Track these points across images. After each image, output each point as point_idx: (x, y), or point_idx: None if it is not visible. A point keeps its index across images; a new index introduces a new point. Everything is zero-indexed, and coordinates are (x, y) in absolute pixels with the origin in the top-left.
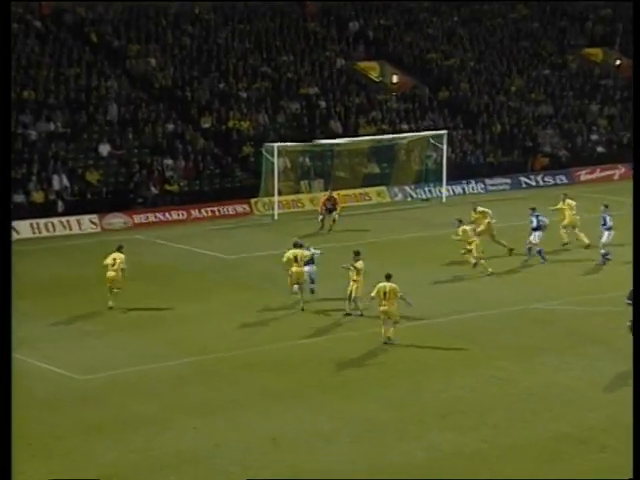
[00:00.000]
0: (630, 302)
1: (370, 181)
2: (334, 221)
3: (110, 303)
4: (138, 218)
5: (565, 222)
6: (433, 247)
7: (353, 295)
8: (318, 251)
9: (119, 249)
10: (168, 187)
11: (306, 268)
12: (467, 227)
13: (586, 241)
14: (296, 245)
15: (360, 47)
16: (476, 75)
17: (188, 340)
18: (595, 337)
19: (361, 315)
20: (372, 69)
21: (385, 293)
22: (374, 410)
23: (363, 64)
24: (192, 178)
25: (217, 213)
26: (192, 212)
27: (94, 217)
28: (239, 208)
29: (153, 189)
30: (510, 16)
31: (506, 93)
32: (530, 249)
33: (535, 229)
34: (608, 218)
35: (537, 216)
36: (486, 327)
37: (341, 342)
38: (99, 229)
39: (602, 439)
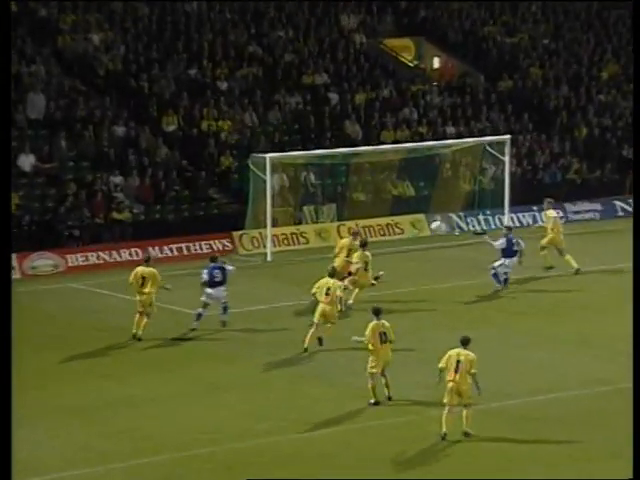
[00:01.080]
0: None
1: (402, 207)
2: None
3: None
4: (73, 259)
5: (544, 241)
6: (490, 300)
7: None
8: (232, 267)
9: (147, 261)
10: (116, 215)
11: (211, 290)
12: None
13: (574, 265)
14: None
15: (388, 18)
16: (552, 58)
17: (141, 432)
18: None
19: (376, 403)
20: (405, 49)
21: (459, 364)
22: None
23: (392, 42)
24: (150, 202)
25: (186, 252)
26: (150, 250)
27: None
28: (217, 244)
29: (95, 218)
30: None
31: (596, 83)
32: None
33: (506, 254)
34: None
35: (511, 239)
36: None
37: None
38: (18, 275)
39: None
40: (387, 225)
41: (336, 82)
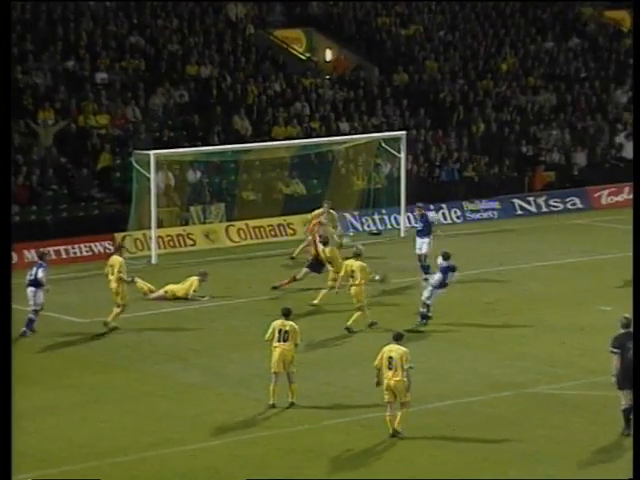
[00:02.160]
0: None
1: (294, 206)
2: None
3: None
4: None
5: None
6: (389, 303)
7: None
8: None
9: (118, 250)
10: None
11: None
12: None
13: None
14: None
15: (277, 8)
16: (448, 50)
17: (15, 447)
18: None
19: (272, 406)
20: (296, 40)
21: (391, 360)
22: None
23: (282, 33)
24: (25, 203)
25: (64, 255)
26: (25, 253)
27: None
28: (98, 247)
29: None
30: None
31: (493, 76)
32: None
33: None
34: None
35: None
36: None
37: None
38: None
39: None
40: (279, 225)
41: (223, 75)
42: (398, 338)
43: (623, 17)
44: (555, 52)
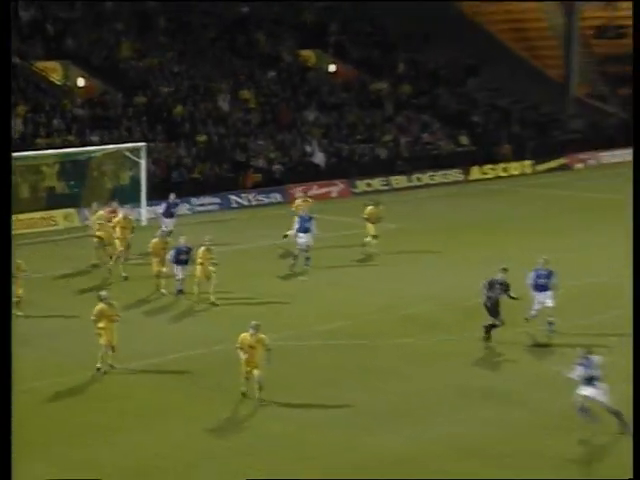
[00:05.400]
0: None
1: (56, 202)
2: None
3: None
4: None
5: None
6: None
7: None
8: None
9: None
10: None
11: None
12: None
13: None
14: None
15: (38, 43)
16: (177, 78)
17: None
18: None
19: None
20: (54, 70)
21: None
22: None
23: (43, 64)
24: None
25: None
26: None
27: None
28: None
29: None
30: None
31: (212, 98)
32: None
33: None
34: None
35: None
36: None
37: None
38: None
39: None
40: (41, 218)
41: None
42: (256, 328)
43: (312, 56)
44: (261, 79)
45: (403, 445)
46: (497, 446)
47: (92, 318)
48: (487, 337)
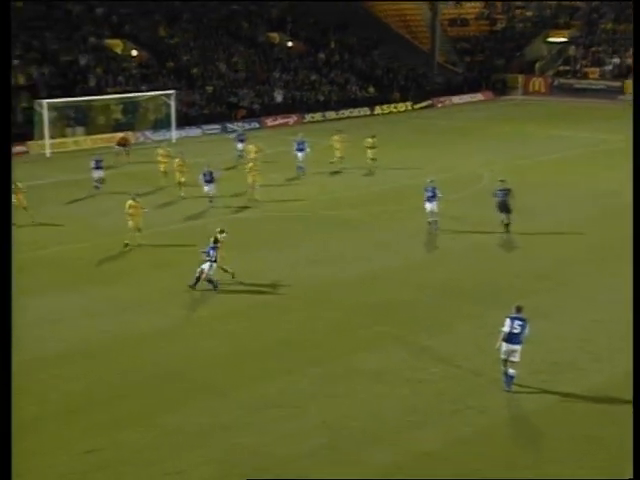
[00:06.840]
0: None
1: (120, 128)
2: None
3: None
4: None
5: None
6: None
7: None
8: None
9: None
10: None
11: None
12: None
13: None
14: None
15: (107, 28)
16: (192, 50)
17: None
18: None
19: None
20: (117, 45)
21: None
22: None
23: (110, 42)
24: None
25: None
26: None
27: None
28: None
29: None
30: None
31: (215, 63)
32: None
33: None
34: (434, 190)
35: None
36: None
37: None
38: None
39: None
40: (111, 137)
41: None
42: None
43: (277, 37)
44: (245, 52)
45: None
46: None
47: (125, 211)
48: None
